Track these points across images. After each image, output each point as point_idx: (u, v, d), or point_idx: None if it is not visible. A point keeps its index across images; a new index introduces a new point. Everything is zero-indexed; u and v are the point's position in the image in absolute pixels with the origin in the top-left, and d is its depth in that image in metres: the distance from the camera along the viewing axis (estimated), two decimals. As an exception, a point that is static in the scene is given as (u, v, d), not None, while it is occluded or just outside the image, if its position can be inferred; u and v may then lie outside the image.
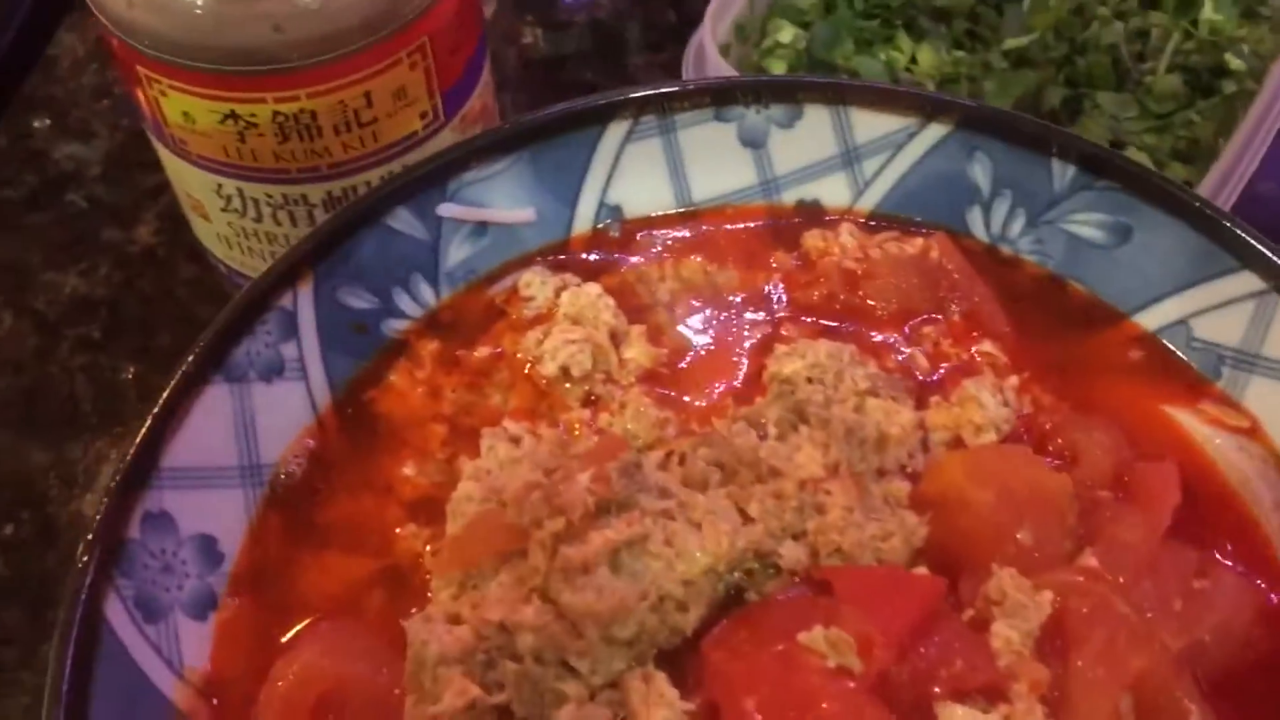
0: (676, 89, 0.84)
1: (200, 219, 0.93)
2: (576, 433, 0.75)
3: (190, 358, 0.71)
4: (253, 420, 0.74)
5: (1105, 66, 1.06)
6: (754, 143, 0.85)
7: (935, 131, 0.83)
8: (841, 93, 0.84)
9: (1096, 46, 1.06)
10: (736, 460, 0.72)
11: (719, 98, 0.84)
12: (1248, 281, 0.75)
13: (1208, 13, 1.10)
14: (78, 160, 1.19)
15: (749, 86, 0.84)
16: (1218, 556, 0.71)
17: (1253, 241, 0.75)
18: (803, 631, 0.62)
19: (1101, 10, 1.09)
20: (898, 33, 1.10)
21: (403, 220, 0.80)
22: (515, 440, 0.73)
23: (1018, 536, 0.68)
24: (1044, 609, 0.65)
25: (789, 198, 0.86)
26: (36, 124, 1.23)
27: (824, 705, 0.59)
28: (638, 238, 0.86)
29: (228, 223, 0.90)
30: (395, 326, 0.81)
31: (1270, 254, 0.74)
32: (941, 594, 0.65)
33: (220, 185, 0.86)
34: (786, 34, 1.06)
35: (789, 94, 0.84)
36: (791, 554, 0.68)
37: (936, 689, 0.62)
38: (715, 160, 0.85)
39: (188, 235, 0.97)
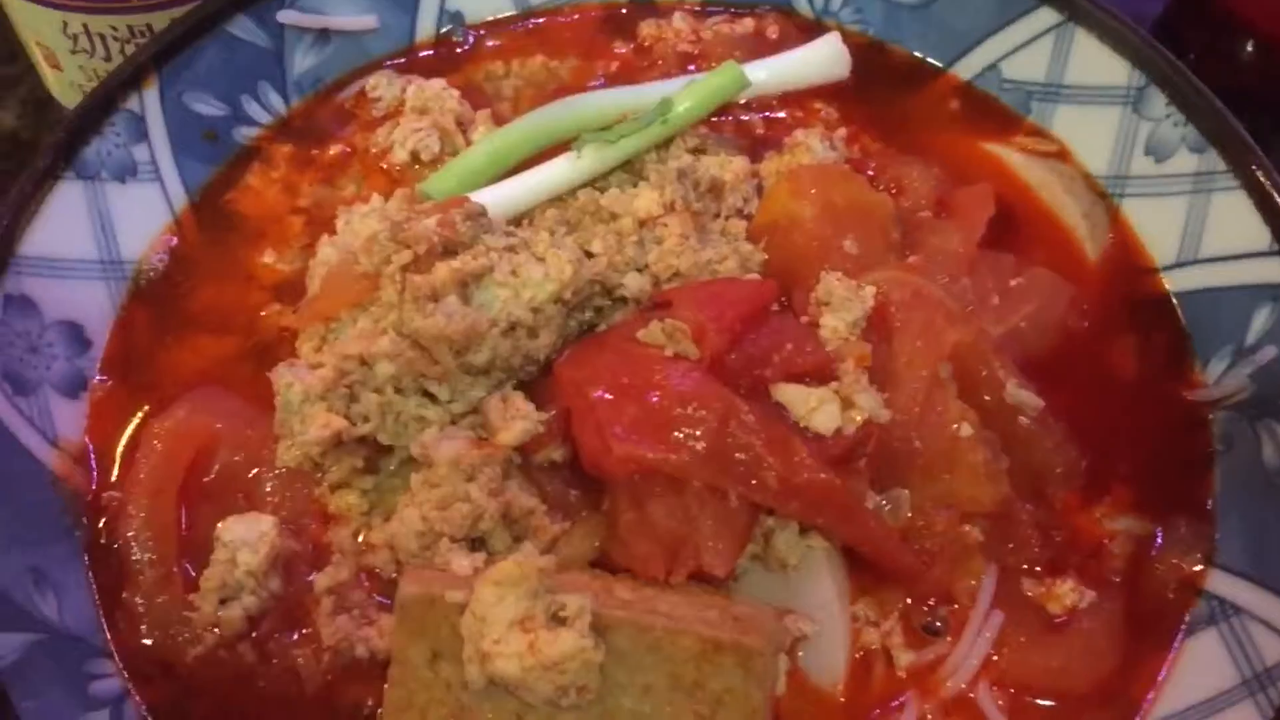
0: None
1: (53, 70, 0.94)
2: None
3: (41, 155, 0.73)
4: (109, 217, 0.76)
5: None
6: (584, -59, 0.89)
7: (756, -87, 0.87)
8: (661, -115, 0.87)
9: None
10: (580, 212, 0.76)
11: (546, -103, 0.87)
12: (1045, 17, 0.81)
13: None
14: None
15: (574, -116, 0.88)
16: (1038, 260, 0.77)
17: (1040, -23, 0.80)
18: (641, 330, 0.66)
19: None
20: None
21: (244, 28, 0.82)
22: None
23: (843, 245, 0.72)
24: (867, 301, 0.69)
25: (620, -8, 0.90)
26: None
27: (664, 383, 0.63)
28: (481, 40, 0.89)
29: (79, 66, 0.91)
30: (246, 133, 0.83)
31: (1059, -14, 0.80)
32: (771, 292, 0.69)
33: (66, 23, 0.88)
34: None
35: (612, -111, 0.88)
36: (634, 283, 0.72)
37: (769, 372, 0.66)
38: (548, -38, 0.89)
39: (52, 115, 0.97)
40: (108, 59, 0.89)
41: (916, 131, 0.84)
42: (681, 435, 0.62)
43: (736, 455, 0.62)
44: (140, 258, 0.78)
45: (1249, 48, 0.99)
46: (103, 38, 0.88)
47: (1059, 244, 0.78)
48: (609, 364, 0.65)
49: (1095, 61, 0.79)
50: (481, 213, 0.72)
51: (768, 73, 0.83)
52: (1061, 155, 0.81)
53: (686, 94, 0.79)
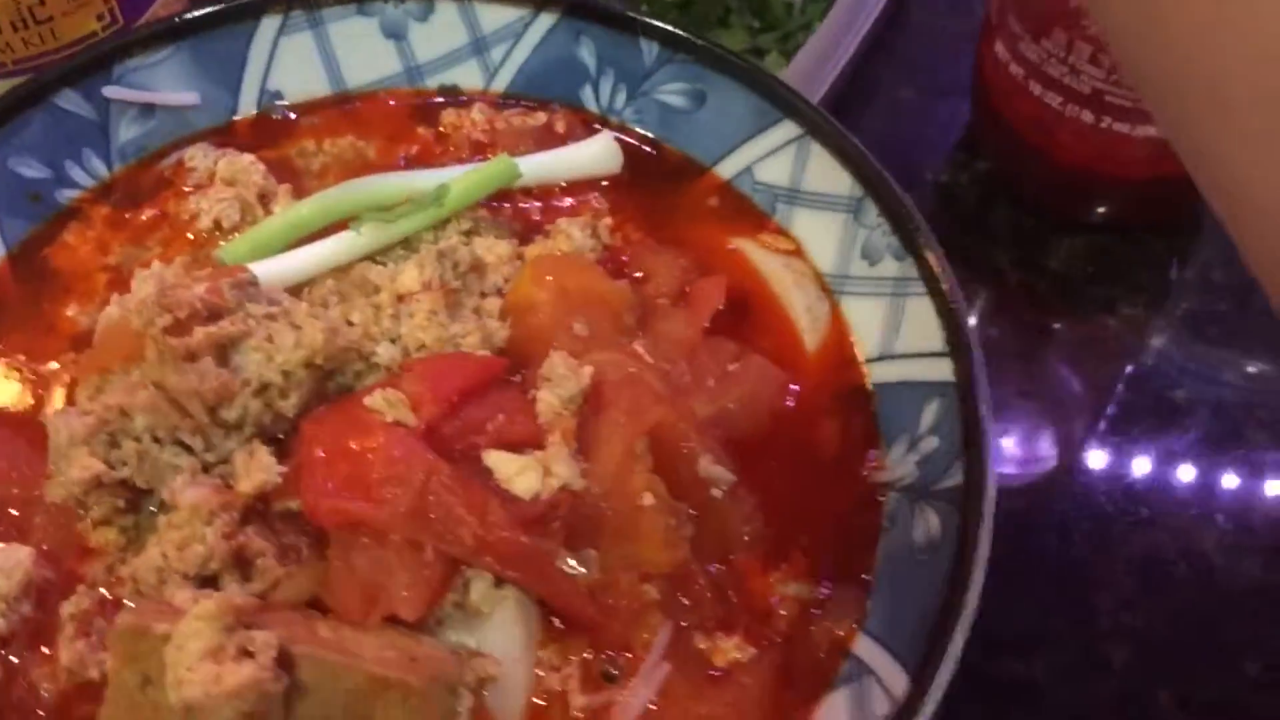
0: (320, -13, 0.96)
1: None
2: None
3: None
4: (-75, 269, 0.85)
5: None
6: (396, 34, 0.98)
7: (546, 20, 0.97)
8: (465, -12, 0.97)
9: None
10: (351, 285, 0.85)
11: (359, -6, 0.97)
12: (788, 129, 0.90)
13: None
14: None
15: (383, -16, 0.97)
16: (762, 347, 0.86)
17: (788, 95, 0.90)
18: (367, 397, 0.74)
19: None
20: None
21: (70, 100, 0.91)
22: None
23: (573, 327, 0.81)
24: (584, 379, 0.78)
25: (431, 83, 0.99)
26: None
27: (376, 445, 0.71)
28: (298, 119, 0.98)
29: (-69, 124, 1.00)
30: (68, 195, 0.92)
31: (800, 104, 0.89)
32: (494, 367, 0.78)
33: (-83, 85, 0.97)
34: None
35: (419, -10, 0.97)
36: (386, 353, 0.81)
37: (482, 440, 0.74)
38: (363, 50, 0.98)
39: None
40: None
41: (679, 224, 0.93)
42: (386, 494, 0.70)
43: (433, 514, 0.70)
44: (-48, 308, 0.86)
45: (1036, 160, 1.10)
46: (-50, 100, 0.97)
47: (783, 334, 0.87)
48: (336, 425, 0.74)
49: (827, 171, 0.88)
50: (252, 281, 0.81)
51: (541, 165, 0.92)
52: (797, 253, 0.90)
53: (461, 181, 0.88)
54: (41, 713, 0.71)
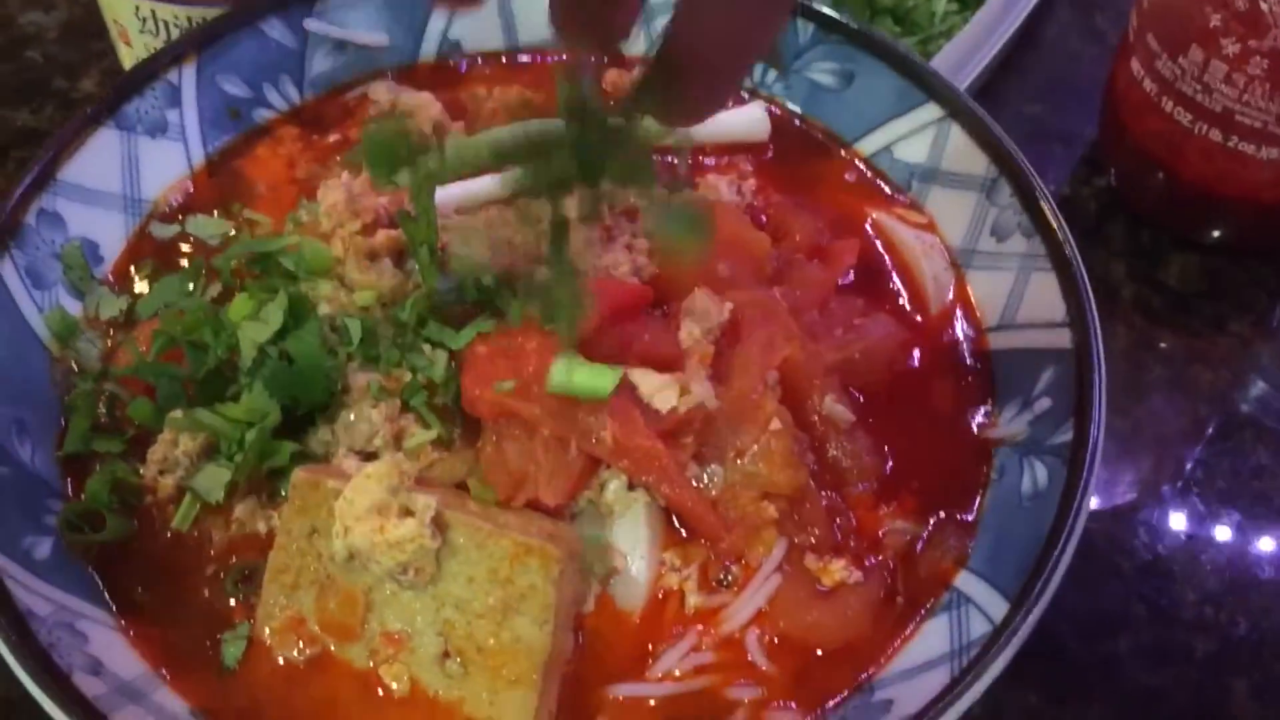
0: (507, -50, 1.05)
1: (125, 47, 1.13)
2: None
3: (90, 106, 0.91)
4: (137, 163, 0.94)
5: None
6: (570, -2, 1.06)
7: (711, -5, 1.03)
8: (646, -36, 1.04)
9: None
10: (517, 216, 0.92)
11: (542, -42, 1.04)
12: (931, 111, 0.96)
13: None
14: (39, 25, 1.39)
15: (566, -50, 1.04)
16: (887, 309, 0.91)
17: (934, 79, 0.95)
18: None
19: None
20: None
21: (275, 28, 1.00)
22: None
23: (717, 268, 0.87)
24: (724, 313, 0.84)
25: (597, 46, 1.07)
26: (5, -4, 1.43)
27: (535, 346, 0.78)
28: (473, 66, 1.06)
29: (144, 45, 1.10)
30: (263, 114, 1.01)
31: (945, 88, 0.95)
32: (638, 294, 0.84)
33: (138, 7, 1.06)
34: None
35: (597, -42, 1.04)
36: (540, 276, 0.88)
37: (629, 358, 0.81)
38: (537, 11, 1.06)
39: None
40: (169, 40, 1.08)
41: (818, 193, 0.99)
42: (539, 391, 0.77)
43: (581, 415, 0.77)
44: (158, 199, 0.95)
45: (1159, 176, 1.14)
46: (166, 24, 1.06)
47: (911, 298, 0.92)
48: (499, 330, 0.81)
49: (964, 152, 0.94)
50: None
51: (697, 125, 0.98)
52: (929, 227, 0.96)
53: (621, 131, 0.95)
54: (212, 553, 0.79)
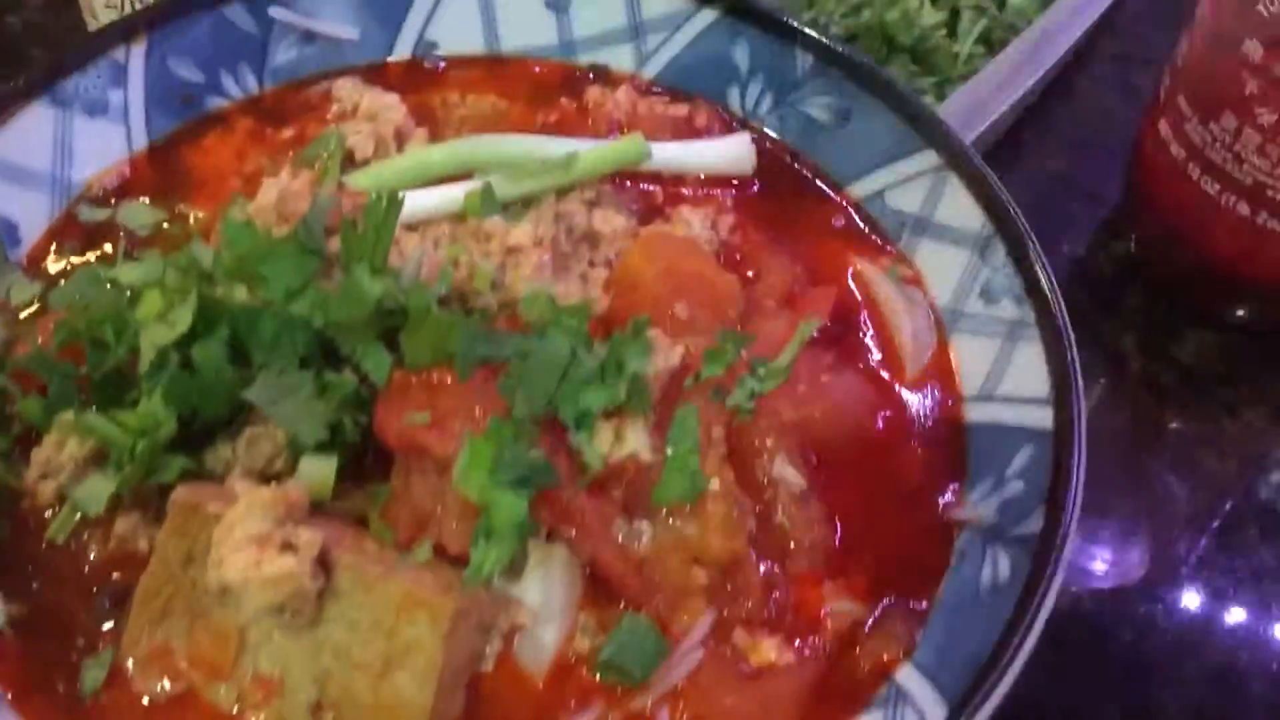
0: (494, -51, 0.98)
1: (92, 20, 1.07)
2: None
3: (21, 79, 0.85)
4: (70, 142, 0.88)
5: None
6: (558, 7, 0.99)
7: (707, 15, 0.97)
8: (634, -29, 0.98)
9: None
10: (466, 231, 0.85)
11: (530, -38, 0.98)
12: (928, 159, 0.88)
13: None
14: (23, -8, 1.35)
15: (557, -44, 0.98)
16: (860, 366, 0.84)
17: (934, 124, 0.88)
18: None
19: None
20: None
21: (237, 13, 0.94)
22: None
23: (675, 308, 0.80)
24: (674, 358, 0.77)
25: (584, 59, 1.00)
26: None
27: (454, 380, 0.71)
28: (447, 70, 1.00)
29: (109, 20, 1.04)
30: (217, 103, 0.94)
31: (946, 135, 0.87)
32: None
33: (103, -20, 1.01)
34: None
35: (590, -33, 0.98)
36: (485, 301, 0.81)
37: (563, 396, 0.73)
38: (523, 18, 1.00)
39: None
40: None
41: (801, 235, 0.92)
42: (454, 428, 0.69)
43: (498, 455, 0.69)
44: (89, 181, 0.89)
45: (1181, 248, 1.06)
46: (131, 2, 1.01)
47: (886, 356, 0.85)
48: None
49: (960, 206, 0.86)
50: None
51: (673, 153, 0.92)
52: (915, 281, 0.88)
53: (592, 153, 0.88)
54: (88, 569, 0.72)
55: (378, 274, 0.75)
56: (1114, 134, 1.28)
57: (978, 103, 1.06)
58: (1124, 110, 1.32)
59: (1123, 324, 1.14)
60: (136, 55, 0.90)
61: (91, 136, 0.89)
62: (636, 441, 0.72)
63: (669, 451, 0.73)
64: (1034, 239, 0.82)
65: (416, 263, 0.77)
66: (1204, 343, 1.12)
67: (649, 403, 0.73)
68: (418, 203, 0.86)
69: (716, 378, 0.76)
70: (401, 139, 0.93)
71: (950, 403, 0.82)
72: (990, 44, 1.23)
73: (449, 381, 0.71)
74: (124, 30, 0.89)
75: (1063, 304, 0.79)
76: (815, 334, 0.83)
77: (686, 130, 0.96)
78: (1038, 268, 0.80)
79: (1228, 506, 1.03)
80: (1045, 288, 0.79)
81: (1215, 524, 1.02)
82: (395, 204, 0.75)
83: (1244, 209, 1.00)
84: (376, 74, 0.98)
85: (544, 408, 0.70)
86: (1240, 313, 1.12)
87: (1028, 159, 1.27)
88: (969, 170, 0.86)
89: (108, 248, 0.86)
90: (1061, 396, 0.75)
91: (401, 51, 0.99)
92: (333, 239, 0.77)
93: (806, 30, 0.94)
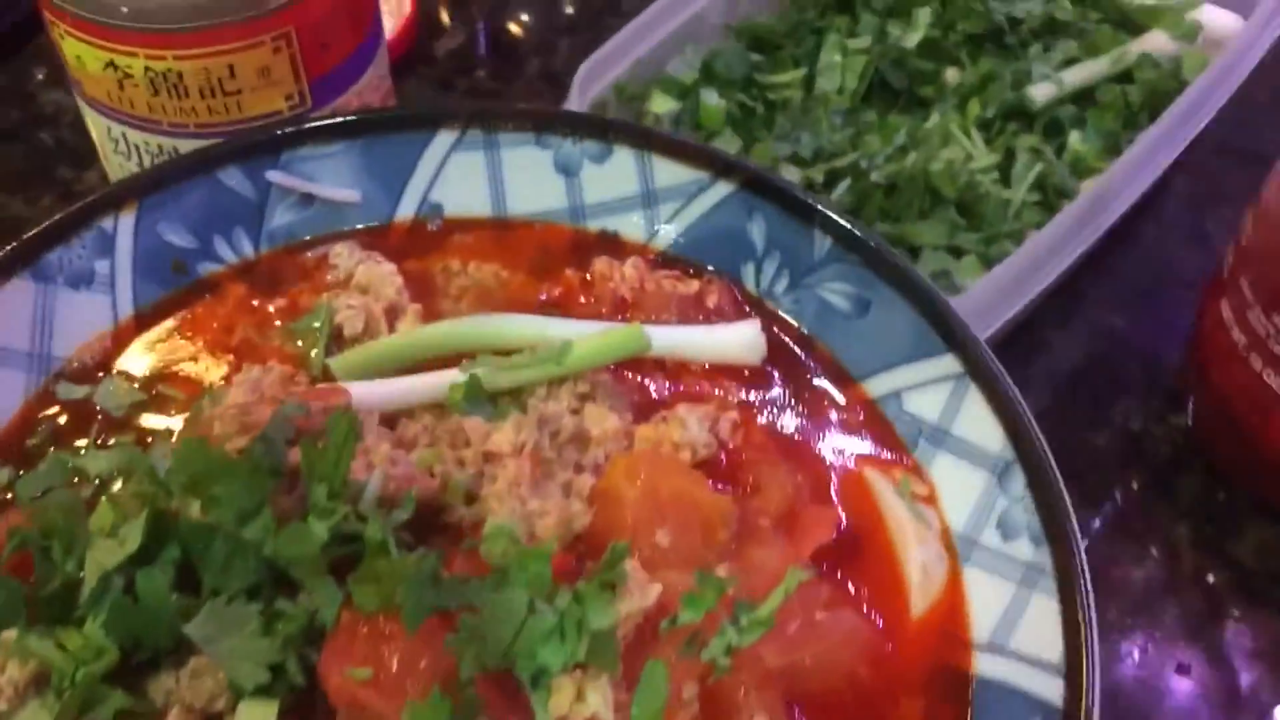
0: (502, 110, 0.94)
1: (104, 160, 1.05)
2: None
3: (1, 252, 0.83)
4: (51, 317, 0.85)
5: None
6: (567, 170, 0.94)
7: (723, 188, 0.91)
8: (648, 138, 0.92)
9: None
10: (446, 430, 0.80)
11: (540, 125, 0.93)
12: (948, 364, 0.81)
13: (1074, 142, 1.16)
14: (58, 106, 1.34)
15: (567, 119, 0.93)
16: (863, 595, 0.77)
17: (956, 326, 0.81)
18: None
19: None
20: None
21: (233, 177, 0.90)
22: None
23: (655, 535, 0.74)
24: (649, 597, 0.71)
25: (593, 225, 0.95)
26: (37, 73, 1.38)
27: (401, 634, 0.66)
28: (452, 235, 0.95)
29: (119, 165, 1.02)
30: (210, 268, 0.91)
31: (967, 340, 0.80)
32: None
33: (110, 129, 0.98)
34: (660, 104, 1.15)
35: (602, 132, 0.93)
36: (459, 514, 0.76)
37: (523, 643, 0.68)
38: (532, 180, 0.95)
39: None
40: (140, 166, 1.00)
41: (811, 433, 0.85)
42: (400, 687, 0.64)
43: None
44: (71, 355, 0.86)
45: (1240, 435, 0.98)
46: (137, 148, 0.99)
47: (890, 588, 0.78)
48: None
49: (980, 421, 0.79)
50: (345, 406, 0.77)
51: (675, 340, 0.86)
52: (929, 499, 0.81)
53: (586, 343, 0.83)
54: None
55: (335, 497, 0.71)
56: (1183, 286, 1.20)
57: (1030, 269, 0.98)
58: (1195, 259, 1.23)
59: (1177, 512, 1.05)
60: (126, 223, 0.87)
61: (75, 309, 0.86)
62: (598, 701, 0.66)
63: (634, 712, 0.67)
64: (1056, 472, 0.74)
65: (379, 483, 0.72)
66: (1265, 538, 1.03)
67: (615, 659, 0.67)
68: (399, 391, 0.82)
69: (693, 624, 0.70)
70: (394, 315, 0.89)
71: (957, 649, 0.75)
72: (1045, 191, 1.15)
73: (395, 633, 0.66)
74: (113, 198, 0.86)
75: (1084, 558, 0.71)
76: (809, 566, 0.76)
77: (696, 308, 0.90)
78: (1059, 509, 0.73)
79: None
80: (1068, 534, 0.72)
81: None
82: (355, 427, 0.70)
83: (1308, 408, 0.92)
84: (378, 236, 0.94)
85: (496, 665, 0.65)
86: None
87: (1081, 314, 1.19)
88: (989, 380, 0.79)
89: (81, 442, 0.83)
90: (1074, 669, 0.67)
91: (405, 213, 0.95)
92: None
93: (826, 210, 0.87)
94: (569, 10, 1.52)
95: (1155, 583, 1.00)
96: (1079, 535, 0.72)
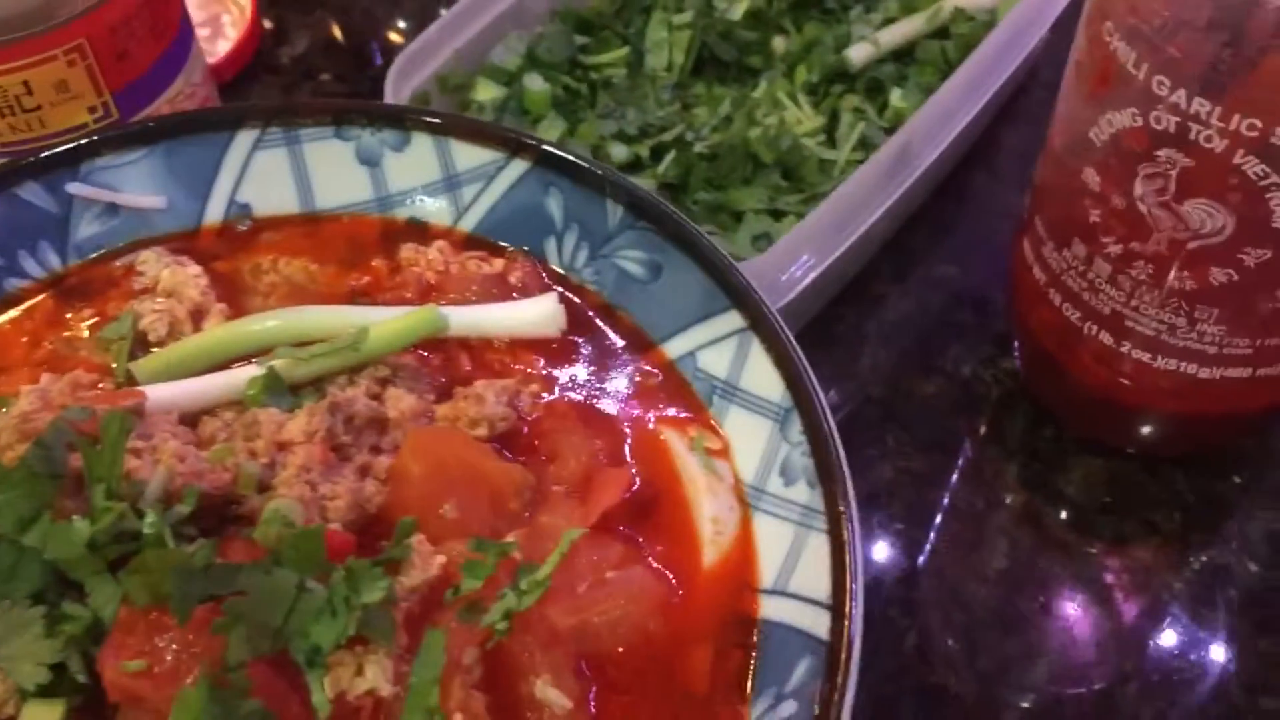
0: (300, 105, 0.95)
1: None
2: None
3: None
4: None
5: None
6: (370, 161, 0.95)
7: (519, 166, 0.92)
8: (443, 124, 0.94)
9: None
10: (242, 425, 0.82)
11: (339, 118, 0.95)
12: (733, 319, 0.83)
13: (895, 99, 1.18)
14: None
15: (364, 110, 0.95)
16: (649, 558, 0.79)
17: (738, 282, 0.83)
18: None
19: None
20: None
21: (32, 192, 0.91)
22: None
23: (441, 508, 0.76)
24: (432, 569, 0.72)
25: (401, 214, 0.96)
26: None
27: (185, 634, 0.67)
28: (262, 234, 0.96)
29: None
30: (16, 284, 0.92)
31: (749, 295, 0.82)
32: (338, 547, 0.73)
33: (-84, 155, 0.99)
34: (485, 92, 1.17)
35: (398, 120, 0.94)
36: (252, 504, 0.77)
37: (304, 621, 0.69)
38: (336, 174, 0.96)
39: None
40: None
41: (614, 398, 0.87)
42: (174, 675, 0.66)
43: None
44: (-127, 380, 0.87)
45: (1056, 372, 1.00)
46: (-54, 171, 0.98)
47: (683, 543, 0.79)
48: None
49: (763, 372, 0.81)
50: (136, 410, 0.78)
51: (473, 319, 0.87)
52: (722, 453, 0.83)
53: (383, 328, 0.84)
54: None
55: (114, 497, 0.72)
56: (1010, 236, 1.22)
57: (843, 218, 1.00)
58: (1021, 208, 1.25)
59: (1005, 451, 1.08)
60: (-79, 246, 0.88)
61: (-125, 334, 0.86)
62: (376, 675, 0.68)
63: (412, 680, 0.68)
64: (828, 415, 0.76)
65: (163, 480, 0.74)
66: (1091, 471, 1.06)
67: (389, 633, 0.68)
68: (196, 389, 0.83)
69: (474, 592, 0.71)
70: (199, 317, 0.90)
71: (746, 595, 0.77)
72: (869, 150, 1.17)
73: (172, 623, 0.67)
74: (-94, 222, 0.87)
75: (852, 494, 0.73)
76: (605, 519, 0.78)
77: (501, 288, 0.92)
78: (831, 451, 0.75)
79: (1103, 650, 0.97)
80: (837, 475, 0.74)
81: (1096, 686, 0.95)
82: (126, 424, 0.72)
83: (1107, 338, 0.94)
84: (187, 241, 0.95)
85: (269, 648, 0.66)
86: (1121, 437, 1.06)
87: (915, 266, 1.21)
88: (768, 333, 0.81)
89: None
90: (839, 603, 0.69)
91: (213, 216, 0.96)
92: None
93: (614, 178, 0.89)
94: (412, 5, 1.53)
95: (986, 522, 1.02)
96: (848, 477, 0.74)
